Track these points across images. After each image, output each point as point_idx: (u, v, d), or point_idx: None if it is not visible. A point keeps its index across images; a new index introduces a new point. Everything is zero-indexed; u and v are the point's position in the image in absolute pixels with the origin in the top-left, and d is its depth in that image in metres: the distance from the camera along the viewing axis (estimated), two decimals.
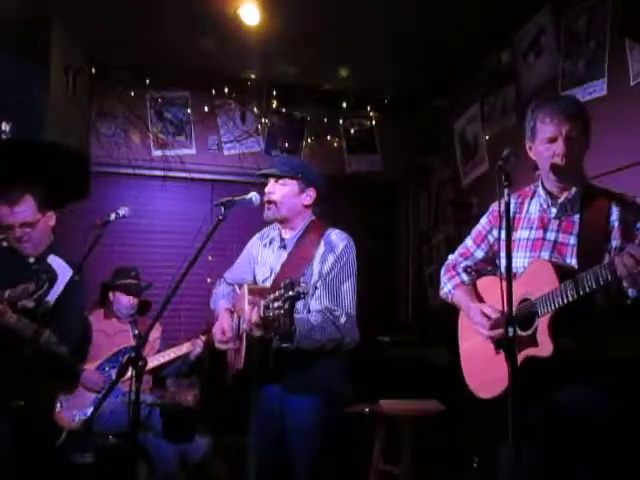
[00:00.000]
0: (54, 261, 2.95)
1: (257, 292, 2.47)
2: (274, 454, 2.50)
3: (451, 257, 2.45)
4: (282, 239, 2.66)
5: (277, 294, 2.13)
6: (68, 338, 2.91)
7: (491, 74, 4.26)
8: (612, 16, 3.17)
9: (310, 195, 2.63)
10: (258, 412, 2.54)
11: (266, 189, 2.60)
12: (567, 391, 1.94)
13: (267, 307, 2.17)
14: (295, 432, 2.45)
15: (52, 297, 2.76)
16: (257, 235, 2.85)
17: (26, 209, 2.93)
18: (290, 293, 2.09)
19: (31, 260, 2.97)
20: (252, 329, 2.30)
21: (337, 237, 2.59)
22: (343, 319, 2.44)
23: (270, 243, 2.72)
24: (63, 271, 2.88)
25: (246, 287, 2.53)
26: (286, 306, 2.10)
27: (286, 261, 2.58)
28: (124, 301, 3.90)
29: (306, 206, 2.64)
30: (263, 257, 2.72)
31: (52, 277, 2.76)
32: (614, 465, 1.89)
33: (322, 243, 2.57)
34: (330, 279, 2.49)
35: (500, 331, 2.03)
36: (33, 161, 3.43)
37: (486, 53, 4.31)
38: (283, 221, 2.64)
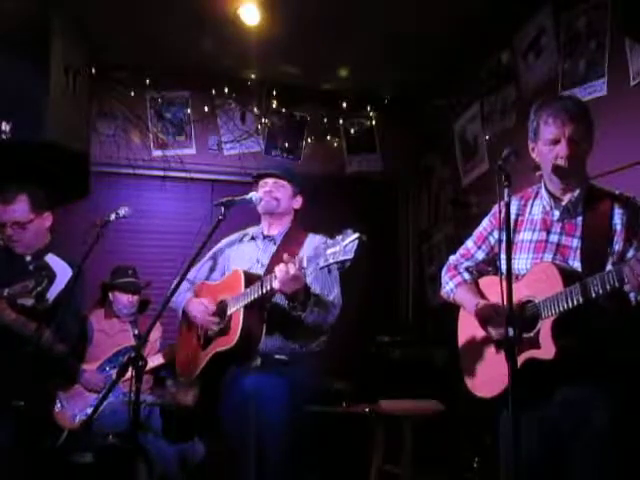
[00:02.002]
0: (52, 260, 2.96)
1: (252, 278, 2.54)
2: (249, 441, 2.54)
3: (452, 258, 2.45)
4: (269, 235, 2.76)
5: (333, 242, 2.09)
6: (66, 336, 2.92)
7: (491, 74, 4.26)
8: (612, 16, 3.16)
9: (298, 201, 2.82)
10: (233, 398, 2.60)
11: (266, 187, 2.72)
12: (568, 394, 1.93)
13: (309, 261, 2.19)
14: (265, 425, 2.50)
15: (50, 295, 2.77)
16: (227, 239, 2.91)
17: (19, 208, 2.95)
18: (349, 256, 2.02)
19: (28, 259, 2.98)
20: (287, 282, 2.30)
21: (319, 237, 2.67)
22: (336, 307, 2.59)
23: (252, 239, 2.81)
24: (61, 270, 2.89)
25: (241, 270, 2.58)
26: (341, 258, 2.03)
27: (276, 253, 2.66)
28: (123, 300, 3.90)
29: (294, 210, 2.81)
30: (241, 251, 2.79)
31: (51, 275, 2.76)
32: (616, 468, 1.89)
33: (305, 245, 2.67)
34: (318, 271, 2.52)
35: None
36: (32, 161, 3.44)
37: (486, 53, 4.31)
38: (275, 216, 2.75)
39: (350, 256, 2.01)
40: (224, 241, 2.91)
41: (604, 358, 1.93)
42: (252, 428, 2.51)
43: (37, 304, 2.68)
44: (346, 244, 2.02)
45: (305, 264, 2.20)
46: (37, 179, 3.08)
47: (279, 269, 2.30)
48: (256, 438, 2.51)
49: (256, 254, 2.72)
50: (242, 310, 2.49)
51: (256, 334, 2.50)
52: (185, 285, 2.80)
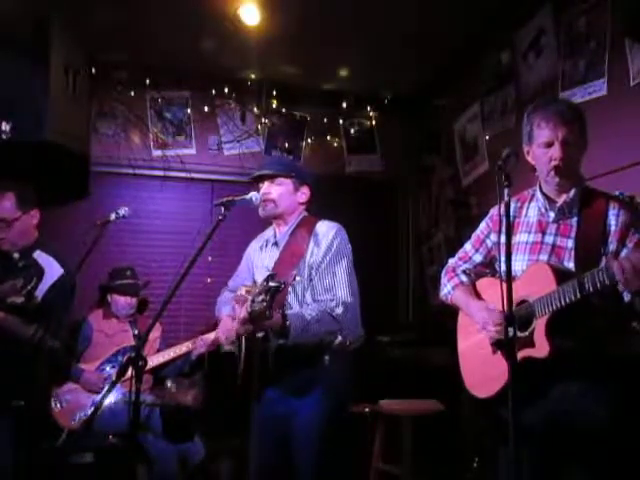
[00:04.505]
0: (40, 257, 2.96)
1: (251, 292, 2.49)
2: (275, 457, 2.49)
3: (451, 261, 2.47)
4: (276, 238, 2.68)
5: (260, 288, 2.16)
6: (58, 332, 2.92)
7: (491, 74, 4.26)
8: (612, 16, 3.16)
9: (304, 193, 2.68)
10: (259, 416, 2.53)
11: (262, 190, 2.62)
12: (563, 392, 1.94)
13: (252, 301, 2.19)
14: (300, 434, 2.44)
15: (39, 292, 2.77)
16: (254, 240, 2.86)
17: (6, 206, 2.95)
18: (270, 284, 2.12)
19: (16, 256, 2.97)
20: (240, 326, 2.33)
21: (326, 227, 2.60)
22: (340, 309, 2.43)
23: (266, 245, 2.73)
24: (50, 267, 2.90)
25: (243, 288, 2.53)
26: (267, 298, 2.11)
27: (278, 259, 2.60)
28: (122, 302, 3.90)
29: (301, 203, 2.68)
30: (260, 260, 2.73)
31: (39, 273, 2.77)
32: (612, 465, 1.89)
33: (312, 235, 2.58)
34: (322, 269, 2.49)
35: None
36: (32, 161, 3.44)
37: (486, 53, 4.31)
38: (278, 217, 2.66)
39: (266, 301, 2.12)
40: (250, 245, 2.85)
41: (599, 356, 1.93)
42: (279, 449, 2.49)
43: (27, 302, 2.67)
44: (265, 289, 2.12)
45: (249, 308, 2.23)
46: (23, 177, 3.07)
47: (236, 312, 2.36)
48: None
49: (267, 262, 2.66)
50: (242, 338, 2.48)
51: (263, 358, 2.42)
52: (227, 295, 2.78)
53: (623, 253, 1.95)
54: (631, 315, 1.91)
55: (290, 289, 2.49)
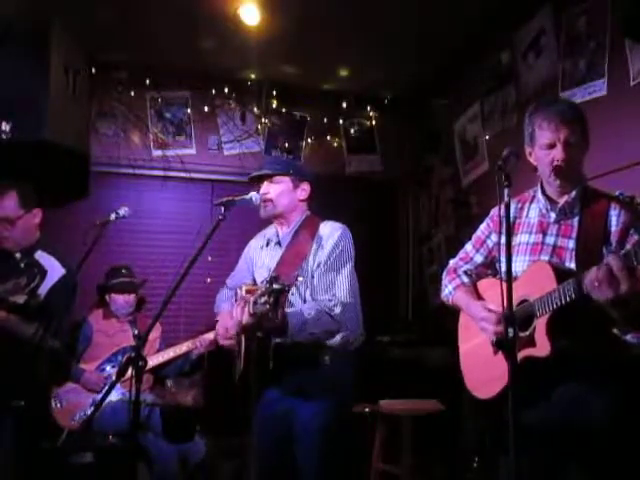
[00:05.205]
0: (42, 257, 2.96)
1: (252, 292, 2.48)
2: (276, 456, 2.48)
3: (452, 261, 2.47)
4: (278, 237, 2.67)
5: (263, 289, 2.13)
6: (59, 332, 2.92)
7: (491, 74, 4.26)
8: (612, 16, 3.16)
9: (305, 189, 2.66)
10: (259, 415, 2.52)
11: (261, 190, 2.61)
12: (564, 391, 1.93)
13: (255, 303, 2.17)
14: (301, 433, 2.43)
15: (41, 292, 2.77)
16: (254, 239, 2.85)
17: (8, 205, 2.95)
18: (275, 286, 2.09)
19: (18, 256, 2.97)
20: (240, 329, 2.31)
21: (330, 228, 2.59)
22: (338, 309, 2.41)
23: (267, 244, 2.72)
24: (51, 267, 2.89)
25: (244, 287, 2.51)
26: (271, 300, 2.10)
27: (281, 259, 2.58)
28: (120, 300, 3.89)
29: (302, 200, 2.67)
30: (261, 259, 2.71)
31: (42, 272, 2.76)
32: (613, 466, 1.89)
33: (316, 237, 2.56)
34: (325, 269, 2.48)
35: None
36: (32, 161, 3.44)
37: (486, 53, 4.31)
38: (279, 217, 2.65)
39: (270, 303, 2.09)
40: (250, 244, 2.84)
41: (600, 355, 1.93)
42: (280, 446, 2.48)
43: (29, 301, 2.67)
44: (270, 291, 2.10)
45: (251, 309, 2.21)
46: (25, 176, 3.07)
47: (237, 313, 2.32)
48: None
49: (268, 262, 2.65)
50: (242, 336, 2.47)
51: (263, 357, 2.41)
52: (226, 293, 2.78)
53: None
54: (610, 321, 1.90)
55: (293, 289, 2.48)
